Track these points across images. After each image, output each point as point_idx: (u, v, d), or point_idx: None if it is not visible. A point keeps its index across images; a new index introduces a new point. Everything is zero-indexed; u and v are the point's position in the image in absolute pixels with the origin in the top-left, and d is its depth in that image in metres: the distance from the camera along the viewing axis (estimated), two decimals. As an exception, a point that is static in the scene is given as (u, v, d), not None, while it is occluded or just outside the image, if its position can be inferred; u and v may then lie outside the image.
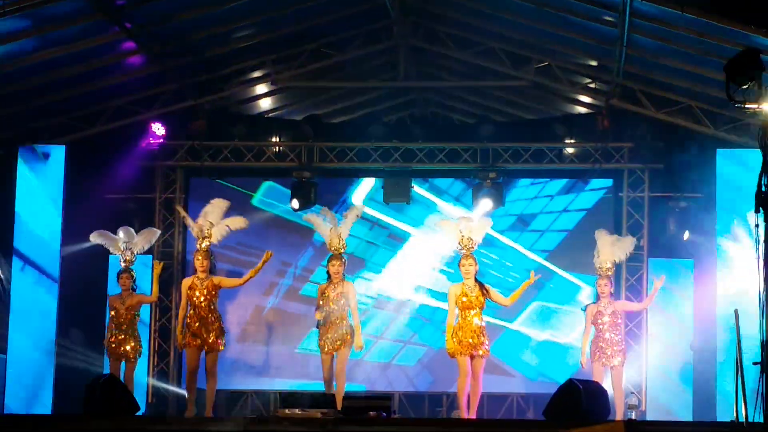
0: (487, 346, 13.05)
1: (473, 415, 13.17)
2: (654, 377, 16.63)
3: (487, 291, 13.10)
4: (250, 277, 13.66)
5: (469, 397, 13.08)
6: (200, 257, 13.58)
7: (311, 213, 14.70)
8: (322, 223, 13.93)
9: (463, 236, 13.25)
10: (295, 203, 17.08)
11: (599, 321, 14.40)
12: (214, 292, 13.50)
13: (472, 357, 13.01)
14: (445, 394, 16.86)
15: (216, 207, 14.03)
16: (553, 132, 16.94)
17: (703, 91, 15.69)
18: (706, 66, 14.63)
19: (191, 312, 13.48)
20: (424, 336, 17.30)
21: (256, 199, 17.59)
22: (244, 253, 17.16)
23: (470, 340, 12.93)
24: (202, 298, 13.43)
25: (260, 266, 13.52)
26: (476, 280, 13.11)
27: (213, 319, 13.52)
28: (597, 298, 14.68)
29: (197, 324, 13.41)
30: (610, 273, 14.61)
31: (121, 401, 11.14)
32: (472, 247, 13.24)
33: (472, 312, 12.99)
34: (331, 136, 17.42)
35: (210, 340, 13.46)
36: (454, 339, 12.99)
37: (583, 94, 17.27)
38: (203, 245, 13.70)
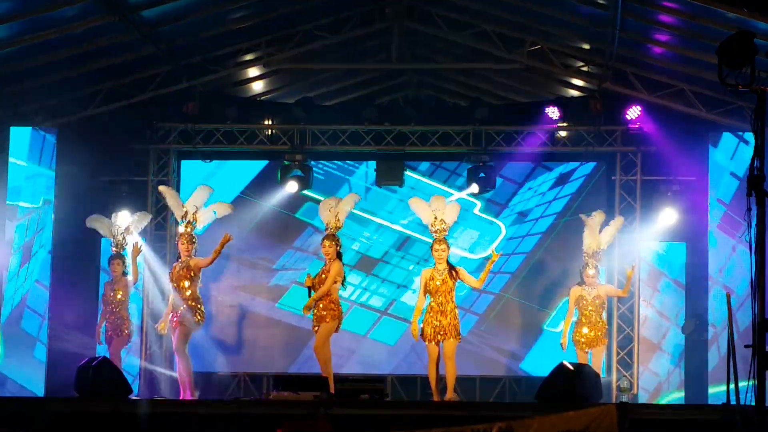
0: (456, 329, 13.11)
1: (451, 395, 13.22)
2: (646, 360, 16.67)
3: (457, 273, 13.24)
4: (215, 258, 13.81)
5: (444, 380, 13.18)
6: (184, 241, 13.85)
7: (322, 204, 14.57)
8: (325, 212, 14.03)
9: (435, 218, 13.37)
10: (292, 186, 17.07)
11: (581, 304, 14.51)
12: (191, 274, 13.69)
13: (442, 341, 13.09)
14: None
15: (201, 193, 14.26)
16: (545, 115, 16.93)
17: (695, 75, 15.69)
18: (698, 49, 14.63)
19: (172, 295, 13.78)
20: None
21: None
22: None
23: (437, 323, 13.03)
24: (181, 280, 13.67)
25: (219, 248, 13.69)
26: (448, 263, 13.26)
27: (190, 299, 13.68)
28: (582, 281, 14.75)
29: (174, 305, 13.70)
30: (594, 258, 14.68)
31: (113, 384, 11.16)
32: (444, 230, 13.37)
33: (440, 297, 13.12)
34: (324, 119, 17.40)
35: (181, 318, 13.61)
36: (424, 325, 13.10)
37: (576, 77, 17.25)
38: (188, 229, 13.92)
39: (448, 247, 13.34)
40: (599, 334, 14.50)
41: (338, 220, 13.87)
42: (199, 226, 14.28)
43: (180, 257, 14.05)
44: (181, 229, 14.22)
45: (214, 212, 14.47)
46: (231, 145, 17.28)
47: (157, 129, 17.22)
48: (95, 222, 15.57)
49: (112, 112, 16.86)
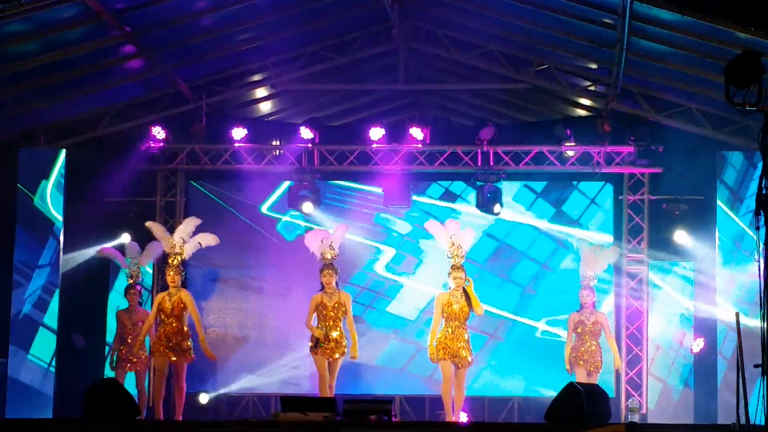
0: (470, 357, 13.14)
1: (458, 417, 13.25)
2: (655, 380, 16.62)
3: (469, 299, 13.15)
4: (198, 329, 13.96)
5: (453, 403, 13.17)
6: (171, 273, 13.96)
7: (308, 234, 14.63)
8: (316, 243, 14.05)
9: (452, 243, 13.35)
10: (307, 206, 17.04)
11: (579, 330, 14.50)
12: (182, 306, 13.72)
13: (455, 365, 13.08)
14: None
15: (187, 224, 14.25)
16: (553, 135, 16.93)
17: (703, 94, 15.69)
18: (705, 68, 14.62)
19: (161, 325, 13.71)
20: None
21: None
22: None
23: (453, 349, 13.03)
24: (170, 312, 13.69)
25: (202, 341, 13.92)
26: (464, 291, 13.21)
27: (180, 333, 13.70)
28: (580, 306, 14.69)
29: (165, 337, 13.64)
30: (591, 284, 14.67)
31: (121, 406, 11.13)
32: (462, 256, 13.33)
33: (456, 322, 13.11)
34: (332, 139, 17.42)
35: (176, 355, 13.66)
36: (439, 346, 13.10)
37: (583, 97, 17.26)
38: (174, 261, 13.93)
39: (464, 274, 13.31)
40: (597, 359, 14.51)
41: (332, 248, 13.92)
42: (186, 257, 14.29)
43: (168, 288, 14.05)
44: (169, 260, 14.23)
45: (199, 243, 14.46)
46: (239, 165, 17.29)
47: (165, 150, 17.23)
48: (108, 254, 15.61)
49: (119, 133, 16.89)
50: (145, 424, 12.09)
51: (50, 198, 16.15)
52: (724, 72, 8.50)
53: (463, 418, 13.57)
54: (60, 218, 16.16)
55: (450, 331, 13.19)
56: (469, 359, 13.25)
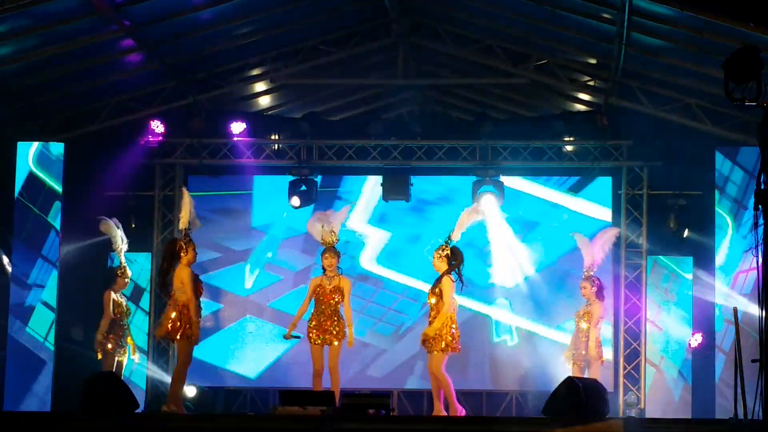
0: (444, 342, 12.77)
1: (442, 410, 13.03)
2: (653, 374, 16.63)
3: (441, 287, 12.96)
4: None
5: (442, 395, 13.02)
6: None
7: (309, 220, 14.43)
8: (317, 227, 13.86)
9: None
10: (296, 201, 17.08)
11: (575, 321, 14.28)
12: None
13: (429, 352, 12.92)
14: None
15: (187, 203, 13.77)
16: (552, 130, 16.93)
17: (701, 89, 15.69)
18: (704, 63, 14.62)
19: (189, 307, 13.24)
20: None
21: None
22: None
23: (426, 333, 12.87)
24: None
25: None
26: (445, 274, 12.98)
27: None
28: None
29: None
30: (590, 274, 14.35)
31: (120, 398, 11.13)
32: (449, 237, 13.14)
33: (432, 306, 12.92)
34: (330, 134, 17.41)
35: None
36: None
37: (582, 92, 17.26)
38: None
39: (444, 257, 13.03)
40: (589, 349, 13.88)
41: (333, 233, 13.72)
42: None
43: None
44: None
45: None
46: (237, 160, 17.29)
47: (164, 144, 17.23)
48: (106, 226, 15.46)
49: (118, 127, 16.89)
50: (143, 417, 12.10)
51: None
52: (723, 67, 8.51)
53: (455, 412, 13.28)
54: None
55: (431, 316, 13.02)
56: (440, 346, 12.70)
